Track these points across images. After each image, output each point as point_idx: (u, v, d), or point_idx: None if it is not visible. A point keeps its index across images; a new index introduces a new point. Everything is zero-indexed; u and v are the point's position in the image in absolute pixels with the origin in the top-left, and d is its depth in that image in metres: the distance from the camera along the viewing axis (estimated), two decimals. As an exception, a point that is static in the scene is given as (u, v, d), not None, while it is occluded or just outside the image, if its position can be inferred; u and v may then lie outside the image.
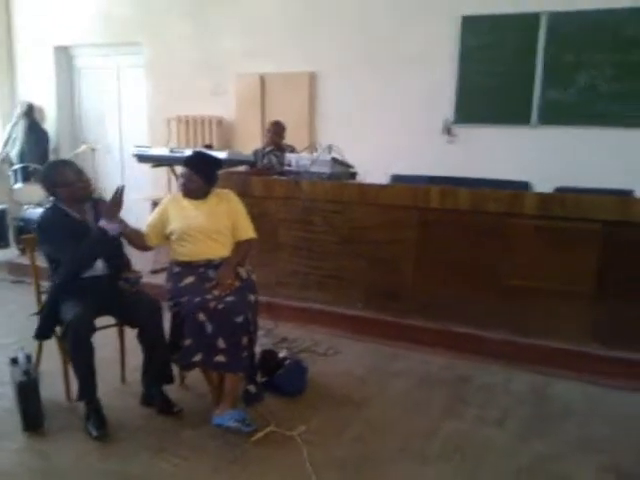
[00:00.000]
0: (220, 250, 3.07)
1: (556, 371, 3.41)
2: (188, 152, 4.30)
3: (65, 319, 2.71)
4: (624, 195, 3.49)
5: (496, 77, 5.36)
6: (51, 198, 2.98)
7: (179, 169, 5.22)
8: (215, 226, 3.07)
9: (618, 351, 3.37)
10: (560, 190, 3.65)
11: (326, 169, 4.11)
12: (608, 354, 3.38)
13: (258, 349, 3.12)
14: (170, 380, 2.96)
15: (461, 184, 3.84)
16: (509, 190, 3.67)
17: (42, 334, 2.87)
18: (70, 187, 2.85)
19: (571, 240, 3.50)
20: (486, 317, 3.70)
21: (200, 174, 3.09)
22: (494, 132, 5.40)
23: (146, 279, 4.24)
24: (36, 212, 5.28)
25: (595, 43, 4.96)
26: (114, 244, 2.94)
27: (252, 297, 2.98)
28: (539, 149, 5.17)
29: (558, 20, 5.06)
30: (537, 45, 5.16)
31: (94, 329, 2.74)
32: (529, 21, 5.15)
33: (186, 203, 3.14)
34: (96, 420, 2.70)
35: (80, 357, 2.71)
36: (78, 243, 2.75)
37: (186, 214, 3.08)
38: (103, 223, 2.79)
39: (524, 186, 3.79)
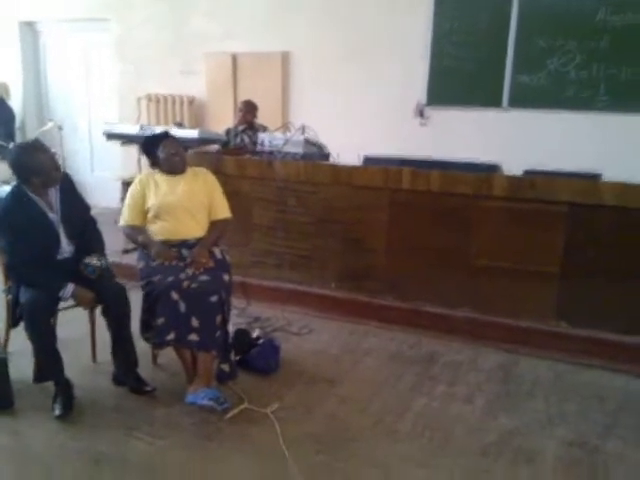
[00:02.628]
0: (195, 229, 3.07)
1: (522, 349, 3.49)
2: (158, 129, 4.27)
3: (21, 301, 2.68)
4: (592, 178, 3.57)
5: (468, 60, 5.39)
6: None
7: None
8: (192, 202, 3.06)
9: (583, 329, 3.46)
10: (529, 173, 3.71)
11: (299, 149, 4.10)
12: (573, 332, 3.48)
13: (232, 328, 3.13)
14: (134, 364, 2.93)
15: (432, 166, 3.87)
16: (479, 172, 3.73)
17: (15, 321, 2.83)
18: (45, 176, 2.72)
19: (539, 221, 3.57)
20: (455, 296, 3.77)
21: (181, 145, 3.12)
22: (466, 114, 5.45)
23: (118, 259, 4.24)
24: (3, 190, 5.15)
25: (566, 29, 5.02)
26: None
27: (226, 277, 2.99)
28: (509, 132, 5.24)
29: (530, 4, 5.10)
30: (509, 29, 5.19)
31: (52, 312, 2.71)
32: (501, 5, 5.18)
33: (161, 180, 3.12)
34: (62, 400, 2.68)
35: (37, 340, 2.67)
36: (33, 239, 2.69)
37: (163, 191, 3.06)
38: (87, 260, 2.76)
39: (494, 168, 3.84)
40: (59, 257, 2.83)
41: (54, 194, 2.84)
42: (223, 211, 3.20)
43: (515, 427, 2.71)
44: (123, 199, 5.87)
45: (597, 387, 3.13)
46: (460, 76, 5.44)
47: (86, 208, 3.04)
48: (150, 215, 3.07)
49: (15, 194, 2.76)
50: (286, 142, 4.12)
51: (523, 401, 2.96)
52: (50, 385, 2.76)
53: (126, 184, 6.10)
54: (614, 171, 3.60)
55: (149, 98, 6.54)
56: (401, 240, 3.90)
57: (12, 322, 2.86)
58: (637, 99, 4.90)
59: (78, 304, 2.81)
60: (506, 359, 3.43)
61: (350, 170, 3.98)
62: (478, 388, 3.07)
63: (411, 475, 2.35)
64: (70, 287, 2.70)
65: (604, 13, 4.91)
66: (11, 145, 5.79)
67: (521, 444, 2.58)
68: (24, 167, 2.71)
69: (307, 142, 4.14)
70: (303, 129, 4.20)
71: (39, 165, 2.70)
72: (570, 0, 4.96)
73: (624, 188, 3.37)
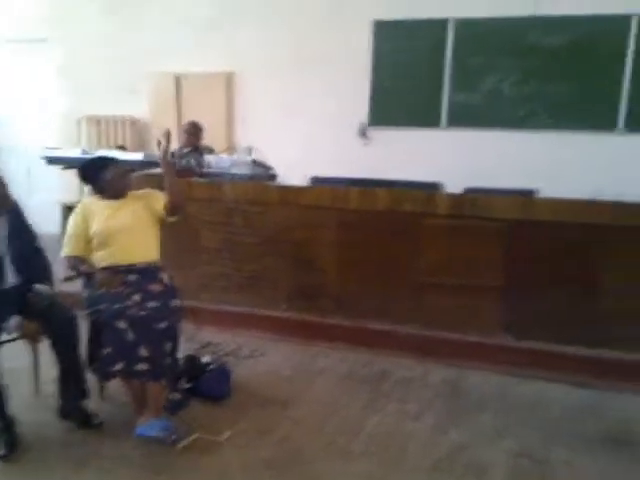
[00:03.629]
0: (143, 252, 3.02)
1: (470, 363, 3.58)
2: (101, 153, 4.19)
3: None
4: (526, 195, 3.72)
5: (407, 80, 5.56)
6: None
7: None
8: (137, 223, 3.01)
9: (526, 341, 3.58)
10: (469, 190, 3.83)
11: (247, 170, 4.11)
12: (517, 345, 3.60)
13: (181, 355, 3.09)
14: (85, 395, 2.85)
15: (378, 185, 3.95)
16: (422, 191, 3.83)
17: None
18: None
19: (481, 238, 3.68)
20: (402, 313, 3.83)
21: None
22: (406, 134, 5.60)
23: (60, 287, 4.10)
24: None
25: (499, 49, 5.26)
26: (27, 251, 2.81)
27: (175, 302, 2.94)
28: (448, 150, 5.41)
29: (464, 26, 5.31)
30: (446, 50, 5.39)
31: None
32: (437, 27, 5.38)
33: (102, 206, 3.06)
34: (6, 438, 2.56)
35: None
36: None
37: (107, 215, 3.00)
38: (38, 287, 2.72)
39: (436, 186, 3.95)
40: (2, 287, 2.74)
41: (3, 222, 2.76)
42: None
43: (465, 441, 2.77)
44: (64, 224, 5.76)
45: (541, 397, 3.24)
46: (400, 96, 5.60)
47: (33, 237, 2.96)
48: (95, 242, 3.00)
49: None
50: (233, 164, 4.12)
51: (472, 415, 3.03)
52: (-10, 422, 2.64)
53: (67, 208, 5.97)
54: (551, 186, 3.77)
55: (89, 120, 6.42)
56: (349, 259, 3.95)
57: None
58: (569, 116, 5.16)
59: (23, 336, 2.71)
60: (455, 374, 3.50)
61: (298, 191, 4.02)
62: (429, 404, 3.13)
63: (366, 495, 2.37)
64: (14, 320, 2.61)
65: (535, 34, 5.16)
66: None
67: (471, 458, 2.64)
68: None
69: (254, 163, 4.16)
70: (250, 150, 4.21)
71: None
72: (502, 22, 5.20)
73: (558, 204, 3.53)
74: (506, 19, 5.18)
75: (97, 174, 3.08)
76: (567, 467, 2.57)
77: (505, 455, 2.66)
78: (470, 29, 5.30)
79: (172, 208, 3.07)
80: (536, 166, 5.04)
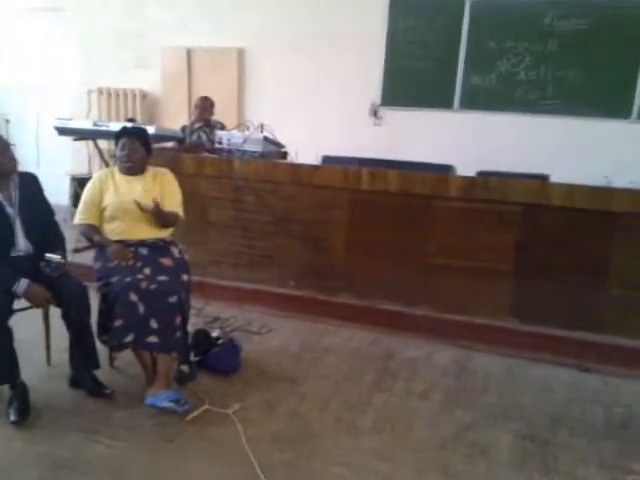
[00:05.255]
0: (153, 230, 3.03)
1: (477, 345, 3.61)
2: (114, 125, 4.19)
3: None
4: (541, 179, 3.71)
5: (421, 61, 5.51)
6: None
7: (103, 143, 5.08)
8: (149, 205, 3.02)
9: (534, 325, 3.60)
10: (481, 174, 3.82)
11: (258, 148, 4.09)
12: (524, 328, 3.61)
13: (190, 329, 3.11)
14: (95, 365, 2.87)
15: (389, 166, 3.95)
16: (434, 173, 3.82)
17: None
18: None
19: (492, 221, 3.68)
20: (412, 294, 3.85)
21: (142, 143, 3.05)
22: (418, 115, 5.56)
23: (70, 258, 4.13)
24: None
25: (516, 32, 5.19)
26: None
27: (185, 276, 2.97)
28: (460, 133, 5.38)
29: (482, 7, 5.25)
30: (461, 31, 5.33)
31: (10, 312, 2.64)
32: (454, 7, 5.31)
33: (120, 179, 3.07)
34: (18, 405, 2.60)
35: None
36: None
37: (121, 190, 3.01)
38: (50, 256, 2.71)
39: (448, 169, 3.94)
40: (13, 254, 2.76)
41: (13, 189, 2.79)
42: (173, 206, 3.12)
43: (470, 421, 2.79)
44: (73, 196, 5.78)
45: (546, 381, 3.26)
46: (413, 77, 5.55)
47: (50, 212, 2.99)
48: (107, 214, 3.02)
49: None
50: (245, 140, 4.10)
51: (477, 396, 3.06)
52: (4, 389, 2.68)
53: (75, 180, 5.97)
54: (561, 172, 3.77)
55: (100, 91, 6.39)
56: (359, 239, 3.95)
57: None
58: (583, 102, 5.11)
59: (31, 302, 2.72)
60: (461, 355, 3.53)
61: (310, 170, 4.01)
62: (435, 384, 3.16)
63: (374, 470, 2.39)
64: (24, 282, 2.63)
65: (552, 17, 5.10)
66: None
67: (476, 438, 2.66)
68: None
69: (266, 140, 4.14)
70: (262, 127, 4.19)
71: None
72: (520, 4, 5.14)
73: (570, 189, 3.52)
74: (523, 1, 5.11)
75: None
76: (569, 450, 2.59)
77: (510, 436, 2.69)
78: (487, 10, 5.23)
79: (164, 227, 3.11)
80: (548, 151, 5.01)
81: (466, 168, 3.92)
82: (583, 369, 3.38)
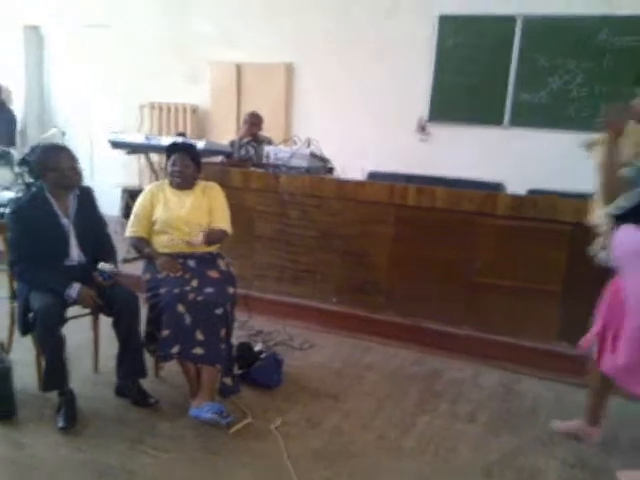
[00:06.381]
0: (201, 246, 3.08)
1: (523, 368, 3.51)
2: (165, 140, 4.29)
3: (33, 308, 2.67)
4: (591, 198, 3.60)
5: (471, 77, 5.46)
6: (37, 182, 2.93)
7: (154, 156, 5.21)
8: (197, 220, 3.08)
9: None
10: (532, 192, 3.74)
11: (304, 163, 4.12)
12: (573, 353, 3.49)
13: (234, 341, 3.13)
14: (142, 374, 2.92)
15: (436, 183, 3.91)
16: (483, 190, 3.76)
17: (25, 330, 2.78)
18: (59, 173, 2.78)
19: (541, 240, 3.59)
20: (456, 313, 3.79)
21: (192, 159, 3.12)
22: (467, 131, 5.50)
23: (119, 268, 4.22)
24: (4, 195, 5.15)
25: (568, 48, 5.10)
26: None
27: (231, 289, 3.00)
28: (510, 150, 5.29)
29: (533, 24, 5.17)
30: (512, 47, 5.27)
31: (64, 319, 2.71)
32: (505, 23, 5.25)
33: (170, 193, 3.14)
34: (66, 411, 2.66)
35: (48, 348, 2.66)
36: (41, 238, 2.73)
37: (170, 205, 3.08)
38: (102, 266, 2.79)
39: (498, 187, 3.87)
40: (67, 264, 2.85)
41: (72, 201, 2.89)
42: (220, 222, 3.17)
43: (517, 446, 2.72)
44: (124, 208, 5.92)
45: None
46: (462, 92, 5.50)
47: (104, 224, 3.08)
48: (156, 227, 3.08)
49: (34, 192, 2.89)
50: (292, 155, 4.13)
51: (524, 420, 2.97)
52: (53, 396, 2.75)
53: (126, 192, 6.13)
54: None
55: (152, 106, 6.56)
56: (404, 256, 3.92)
57: (22, 330, 2.80)
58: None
59: (83, 304, 2.79)
60: (507, 377, 3.44)
61: (356, 185, 4.00)
62: (480, 406, 3.09)
63: (416, 493, 2.36)
64: (76, 286, 2.70)
65: (606, 34, 4.99)
66: (12, 150, 5.81)
67: (523, 463, 2.59)
68: (41, 162, 2.82)
69: (312, 156, 4.16)
70: (309, 142, 4.22)
71: (55, 161, 2.78)
72: (573, 20, 5.04)
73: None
74: (577, 17, 5.01)
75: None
76: (623, 480, 2.49)
77: (558, 463, 2.60)
78: (538, 26, 5.15)
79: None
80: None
81: (516, 186, 3.84)
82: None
